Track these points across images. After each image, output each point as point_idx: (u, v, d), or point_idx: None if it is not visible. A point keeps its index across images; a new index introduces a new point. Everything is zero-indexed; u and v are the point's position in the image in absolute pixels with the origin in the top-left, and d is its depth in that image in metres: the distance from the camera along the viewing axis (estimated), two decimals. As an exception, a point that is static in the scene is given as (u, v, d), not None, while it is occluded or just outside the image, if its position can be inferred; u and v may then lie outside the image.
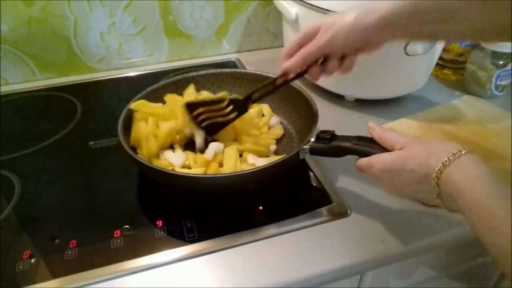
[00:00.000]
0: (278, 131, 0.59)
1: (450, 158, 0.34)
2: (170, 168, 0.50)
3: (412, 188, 0.38)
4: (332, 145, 0.45)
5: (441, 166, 0.34)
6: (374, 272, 0.51)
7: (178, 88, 0.62)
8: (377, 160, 0.40)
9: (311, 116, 0.54)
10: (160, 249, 0.43)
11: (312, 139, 0.47)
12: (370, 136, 0.43)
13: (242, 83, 0.66)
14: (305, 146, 0.47)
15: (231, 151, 0.52)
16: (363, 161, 0.42)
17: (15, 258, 0.43)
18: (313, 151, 0.47)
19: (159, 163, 0.51)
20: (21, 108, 0.73)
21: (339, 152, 0.45)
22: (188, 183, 0.47)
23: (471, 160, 0.34)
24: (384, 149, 0.41)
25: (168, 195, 0.51)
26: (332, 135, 0.46)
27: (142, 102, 0.56)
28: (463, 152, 0.34)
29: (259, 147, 0.54)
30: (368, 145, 0.42)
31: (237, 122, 0.55)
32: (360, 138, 0.44)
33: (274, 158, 0.51)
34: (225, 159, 0.51)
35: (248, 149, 0.54)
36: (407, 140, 0.39)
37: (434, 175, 0.35)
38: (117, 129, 0.51)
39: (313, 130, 0.50)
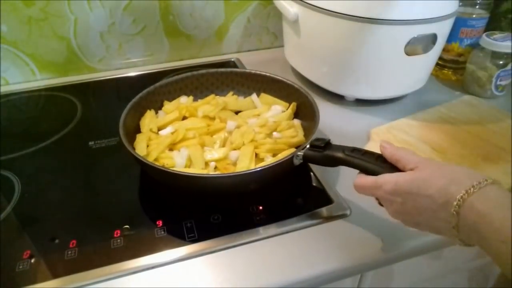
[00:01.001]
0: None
1: (475, 186, 0.32)
2: (170, 166, 0.50)
3: (426, 215, 0.35)
4: (325, 154, 0.44)
5: (464, 194, 0.32)
6: (374, 272, 0.51)
7: (187, 85, 0.64)
8: (388, 180, 0.37)
9: (313, 118, 0.54)
10: (160, 249, 0.43)
11: (307, 146, 0.46)
12: (371, 151, 0.42)
13: (246, 82, 0.66)
14: (299, 153, 0.46)
15: (247, 150, 0.51)
16: (368, 180, 0.39)
17: (15, 258, 0.43)
18: (306, 158, 0.46)
19: (162, 159, 0.51)
20: (21, 108, 0.73)
21: (331, 161, 0.44)
22: (185, 182, 0.47)
23: (499, 191, 0.32)
24: (384, 164, 0.39)
25: (168, 195, 0.51)
26: (326, 143, 0.45)
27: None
28: (489, 182, 0.32)
29: (278, 145, 0.53)
30: (362, 158, 0.41)
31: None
32: (354, 150, 0.42)
33: (271, 161, 0.51)
34: (240, 158, 0.51)
35: (268, 150, 0.52)
36: (420, 160, 0.36)
37: (455, 203, 0.32)
38: (119, 126, 0.51)
39: (313, 132, 0.50)
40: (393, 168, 0.39)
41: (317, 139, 0.46)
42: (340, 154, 0.43)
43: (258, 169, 0.45)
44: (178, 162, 0.51)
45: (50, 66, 0.80)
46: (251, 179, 0.46)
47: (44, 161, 0.59)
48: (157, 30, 0.82)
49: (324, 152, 0.44)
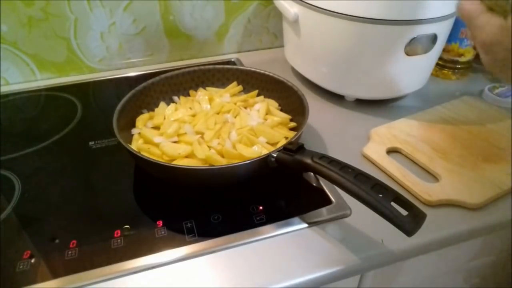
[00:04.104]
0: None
1: None
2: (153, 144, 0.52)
3: None
4: (295, 158, 0.43)
5: None
6: (374, 272, 0.51)
7: (193, 78, 0.67)
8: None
9: (303, 113, 0.54)
10: (160, 249, 0.43)
11: (282, 148, 0.45)
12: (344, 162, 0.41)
13: (245, 79, 0.67)
14: (273, 154, 0.45)
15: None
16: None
17: (15, 258, 0.43)
18: (278, 161, 0.45)
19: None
20: (21, 108, 0.73)
21: (301, 167, 0.43)
22: (169, 173, 0.47)
23: None
24: (347, 175, 0.38)
25: (168, 195, 0.51)
26: (298, 147, 0.44)
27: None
28: None
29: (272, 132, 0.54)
30: (327, 166, 0.40)
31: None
32: (322, 157, 0.42)
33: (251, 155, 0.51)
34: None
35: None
36: None
37: None
38: (114, 115, 0.52)
39: (302, 128, 0.50)
40: (356, 179, 0.38)
41: (291, 143, 0.45)
42: (308, 160, 0.42)
43: (233, 165, 0.45)
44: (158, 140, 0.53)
45: (50, 66, 0.80)
46: (225, 174, 0.46)
47: (44, 161, 0.59)
48: (157, 30, 0.82)
49: (294, 156, 0.43)
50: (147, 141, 0.54)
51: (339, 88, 0.69)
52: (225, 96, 0.64)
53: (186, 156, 0.51)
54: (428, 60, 0.65)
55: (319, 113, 0.65)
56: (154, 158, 0.48)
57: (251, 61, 0.86)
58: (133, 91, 0.59)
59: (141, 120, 0.58)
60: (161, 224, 0.46)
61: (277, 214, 0.47)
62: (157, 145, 0.53)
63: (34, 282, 0.40)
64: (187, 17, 0.82)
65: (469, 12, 0.36)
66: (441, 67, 0.78)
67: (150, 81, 0.62)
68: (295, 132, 0.53)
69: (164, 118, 0.59)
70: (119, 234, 0.45)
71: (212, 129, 0.56)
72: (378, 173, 0.53)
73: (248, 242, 0.44)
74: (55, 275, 0.41)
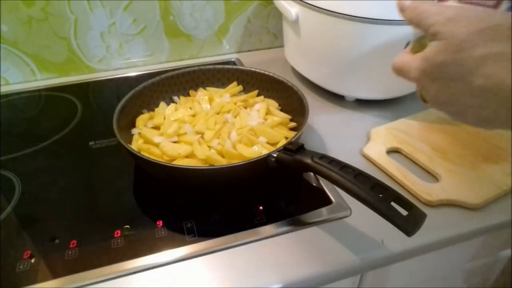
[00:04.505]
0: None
1: None
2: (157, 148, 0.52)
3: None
4: (295, 158, 0.43)
5: None
6: (374, 272, 0.51)
7: (193, 79, 0.67)
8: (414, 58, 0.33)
9: (303, 113, 0.54)
10: (160, 249, 0.43)
11: (282, 148, 0.45)
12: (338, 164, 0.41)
13: (245, 79, 0.67)
14: (273, 154, 0.45)
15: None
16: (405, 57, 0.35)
17: (15, 258, 0.43)
18: (278, 161, 0.45)
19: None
20: (21, 108, 0.73)
21: (301, 167, 0.43)
22: (173, 174, 0.47)
23: None
24: (347, 175, 0.38)
25: (168, 195, 0.51)
26: (299, 147, 0.44)
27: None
28: None
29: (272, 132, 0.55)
30: (327, 166, 0.40)
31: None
32: (322, 157, 0.42)
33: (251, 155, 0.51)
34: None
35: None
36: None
37: None
38: (114, 115, 0.53)
39: (302, 128, 0.50)
40: (356, 179, 0.38)
41: (291, 143, 0.46)
42: (308, 160, 0.42)
43: (233, 165, 0.45)
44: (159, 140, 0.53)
45: (50, 66, 0.80)
46: (225, 174, 0.46)
47: (44, 161, 0.59)
48: (157, 30, 0.82)
49: (294, 156, 0.43)
50: (147, 141, 0.54)
51: (339, 88, 0.69)
52: (225, 96, 0.64)
53: (186, 156, 0.51)
54: (428, 60, 0.65)
55: (319, 113, 0.66)
56: (154, 158, 0.49)
57: (251, 61, 0.86)
58: (133, 91, 0.59)
59: (141, 120, 0.58)
60: (161, 224, 0.46)
61: (277, 214, 0.47)
62: (157, 145, 0.53)
63: (34, 282, 0.40)
64: (187, 17, 0.82)
65: (402, 63, 0.37)
66: (441, 67, 0.78)
67: (150, 81, 0.62)
68: (295, 132, 0.53)
69: (164, 118, 0.59)
70: (119, 234, 0.45)
71: (212, 129, 0.56)
72: (378, 173, 0.54)
73: (248, 242, 0.44)
74: (55, 275, 0.41)
